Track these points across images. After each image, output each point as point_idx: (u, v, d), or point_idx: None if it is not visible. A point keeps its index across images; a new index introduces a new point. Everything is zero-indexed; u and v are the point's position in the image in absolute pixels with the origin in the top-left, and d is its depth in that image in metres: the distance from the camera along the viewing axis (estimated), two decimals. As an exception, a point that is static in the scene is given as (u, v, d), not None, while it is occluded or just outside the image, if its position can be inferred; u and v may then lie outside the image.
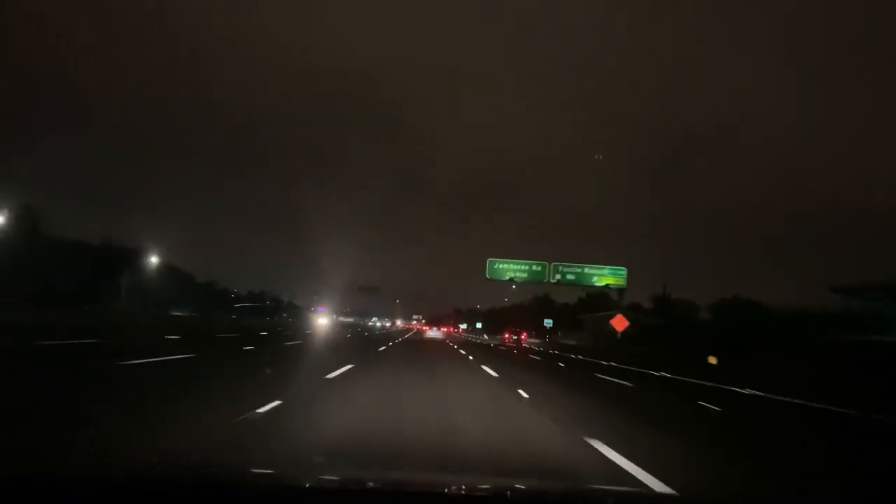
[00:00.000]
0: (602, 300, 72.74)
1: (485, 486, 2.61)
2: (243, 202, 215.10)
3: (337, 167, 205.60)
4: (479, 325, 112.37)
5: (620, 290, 41.68)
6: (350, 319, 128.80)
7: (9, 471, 2.15)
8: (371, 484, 2.53)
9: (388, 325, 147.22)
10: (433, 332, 71.86)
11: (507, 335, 78.51)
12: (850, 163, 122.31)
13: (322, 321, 65.84)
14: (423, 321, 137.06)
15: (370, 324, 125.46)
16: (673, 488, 4.62)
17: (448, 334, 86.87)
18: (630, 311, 44.87)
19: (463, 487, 2.42)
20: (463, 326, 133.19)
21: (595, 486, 4.03)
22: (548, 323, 73.31)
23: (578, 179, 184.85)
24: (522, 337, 72.71)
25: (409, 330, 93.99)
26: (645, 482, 4.84)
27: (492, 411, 9.25)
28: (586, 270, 40.62)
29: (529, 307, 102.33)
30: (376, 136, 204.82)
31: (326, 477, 2.77)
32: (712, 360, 27.05)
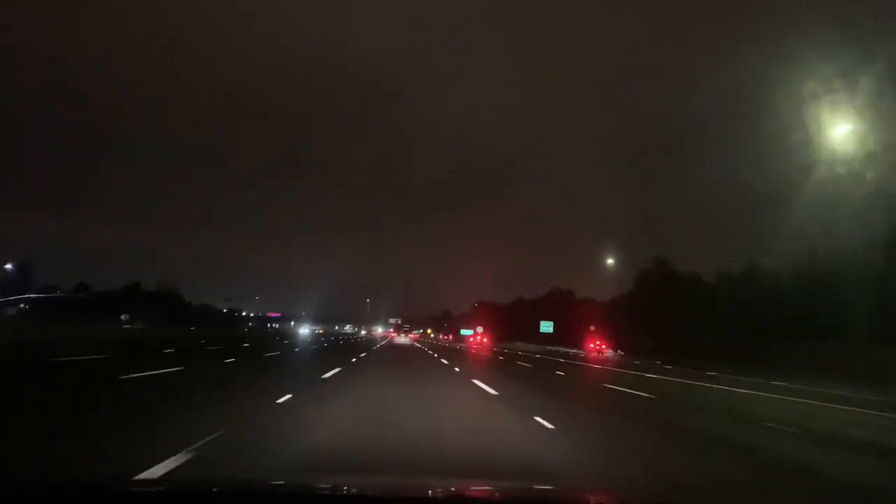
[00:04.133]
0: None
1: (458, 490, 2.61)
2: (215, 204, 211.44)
3: (314, 162, 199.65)
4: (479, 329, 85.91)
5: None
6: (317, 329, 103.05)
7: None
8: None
9: (357, 332, 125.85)
10: (401, 339, 73.30)
11: (471, 339, 71.58)
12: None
13: None
14: (405, 326, 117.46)
15: (304, 330, 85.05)
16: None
17: (416, 339, 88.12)
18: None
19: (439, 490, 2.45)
20: (467, 332, 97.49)
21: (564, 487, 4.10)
22: None
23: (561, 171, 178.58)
24: (601, 347, 51.19)
25: (380, 339, 75.12)
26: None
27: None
28: None
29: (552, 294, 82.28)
30: (352, 130, 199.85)
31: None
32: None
